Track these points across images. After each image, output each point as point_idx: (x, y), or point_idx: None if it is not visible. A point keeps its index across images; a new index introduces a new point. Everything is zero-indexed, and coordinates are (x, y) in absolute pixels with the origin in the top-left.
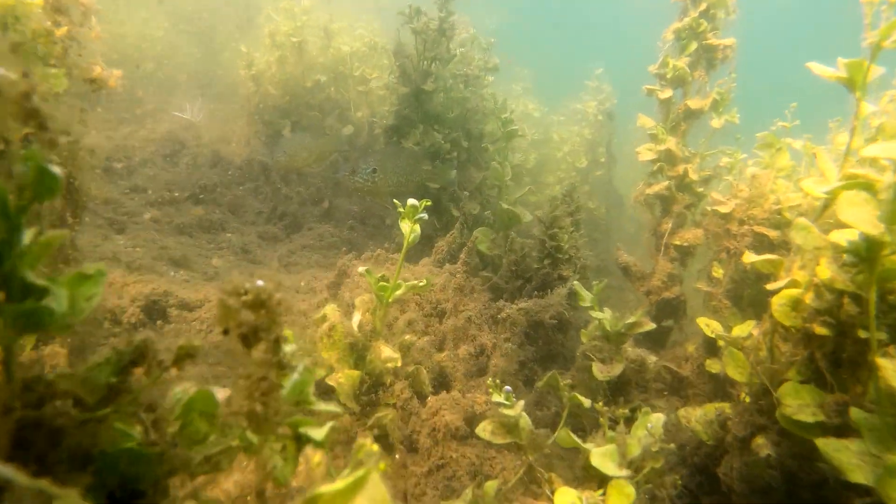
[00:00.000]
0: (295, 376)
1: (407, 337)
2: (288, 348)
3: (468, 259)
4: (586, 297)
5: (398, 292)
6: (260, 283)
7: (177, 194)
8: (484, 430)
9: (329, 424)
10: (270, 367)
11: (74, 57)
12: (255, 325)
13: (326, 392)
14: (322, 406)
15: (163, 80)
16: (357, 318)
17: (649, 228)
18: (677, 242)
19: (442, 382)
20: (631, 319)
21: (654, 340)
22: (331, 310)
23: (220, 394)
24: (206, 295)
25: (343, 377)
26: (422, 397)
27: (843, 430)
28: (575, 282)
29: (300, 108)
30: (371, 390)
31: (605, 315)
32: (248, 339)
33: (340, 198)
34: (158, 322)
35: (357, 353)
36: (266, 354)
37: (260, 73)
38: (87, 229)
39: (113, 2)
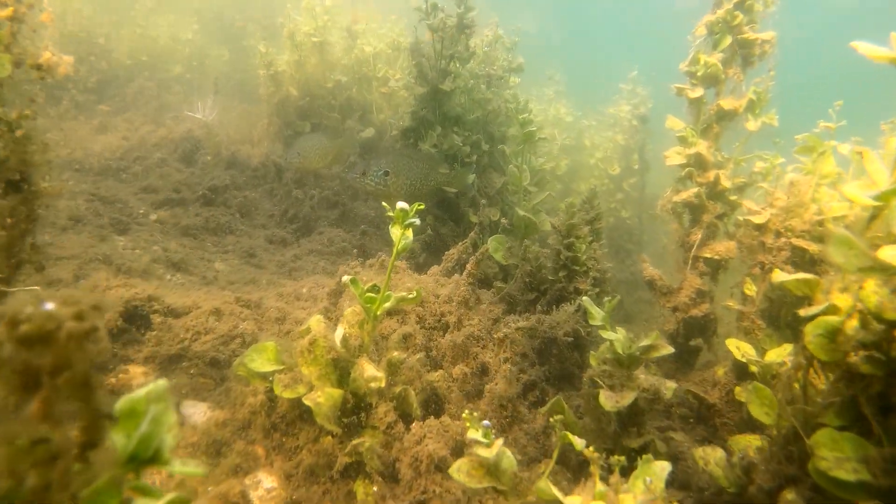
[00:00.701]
0: (143, 428)
1: (395, 354)
2: (141, 391)
3: (474, 270)
4: (596, 315)
5: (387, 305)
6: (48, 306)
7: (187, 195)
8: (459, 470)
9: (168, 497)
10: (58, 422)
11: (27, 43)
12: (30, 366)
13: (305, 413)
14: (178, 467)
15: (190, 82)
16: (340, 331)
17: (677, 239)
18: (707, 255)
19: (436, 405)
20: (646, 342)
21: (683, 361)
22: (316, 322)
23: (197, 410)
24: (195, 301)
25: (322, 396)
26: (410, 421)
27: (894, 493)
28: (584, 297)
29: (321, 109)
30: (354, 411)
31: (616, 336)
32: (28, 383)
33: (357, 201)
34: (140, 329)
35: (340, 370)
36: (44, 406)
37: (279, 73)
38: (87, 230)
39: (143, 4)
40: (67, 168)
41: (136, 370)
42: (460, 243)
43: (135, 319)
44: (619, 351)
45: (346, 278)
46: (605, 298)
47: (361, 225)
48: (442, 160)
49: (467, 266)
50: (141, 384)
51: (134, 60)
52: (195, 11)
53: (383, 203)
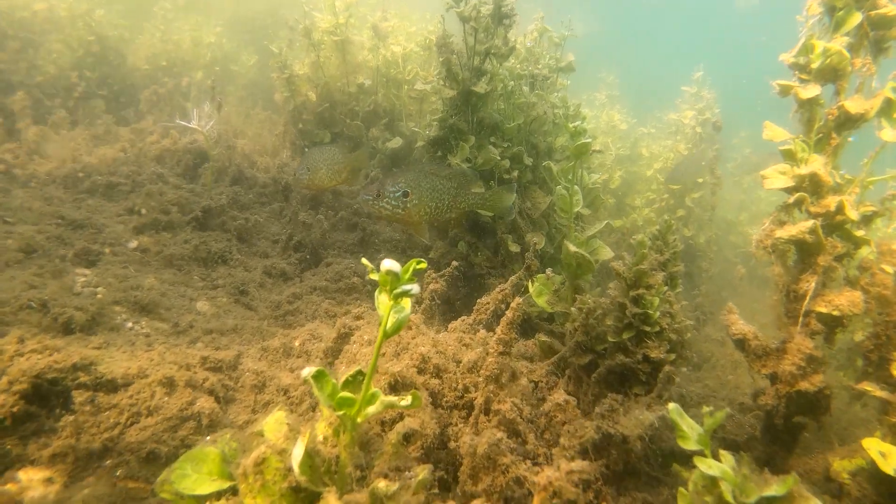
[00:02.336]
0: None
1: (382, 484)
2: None
3: (507, 336)
4: (689, 434)
5: (371, 410)
6: None
7: (177, 217)
8: None
9: None
10: None
11: None
12: None
13: None
14: None
15: (218, 96)
16: (299, 450)
17: (779, 285)
18: (823, 310)
19: None
20: (773, 489)
21: (780, 443)
22: (273, 425)
23: None
24: (142, 366)
25: None
26: None
27: None
28: (671, 406)
29: (342, 116)
30: None
31: (722, 471)
32: None
33: (381, 223)
34: (54, 413)
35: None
36: None
37: (295, 76)
38: (39, 264)
39: (162, 6)
40: (50, 183)
41: (34, 475)
42: (497, 289)
43: (47, 400)
44: (730, 499)
45: (306, 372)
46: (705, 409)
47: (381, 253)
48: (476, 177)
49: (498, 330)
50: (38, 497)
51: (152, 66)
52: (222, 14)
53: (363, 260)
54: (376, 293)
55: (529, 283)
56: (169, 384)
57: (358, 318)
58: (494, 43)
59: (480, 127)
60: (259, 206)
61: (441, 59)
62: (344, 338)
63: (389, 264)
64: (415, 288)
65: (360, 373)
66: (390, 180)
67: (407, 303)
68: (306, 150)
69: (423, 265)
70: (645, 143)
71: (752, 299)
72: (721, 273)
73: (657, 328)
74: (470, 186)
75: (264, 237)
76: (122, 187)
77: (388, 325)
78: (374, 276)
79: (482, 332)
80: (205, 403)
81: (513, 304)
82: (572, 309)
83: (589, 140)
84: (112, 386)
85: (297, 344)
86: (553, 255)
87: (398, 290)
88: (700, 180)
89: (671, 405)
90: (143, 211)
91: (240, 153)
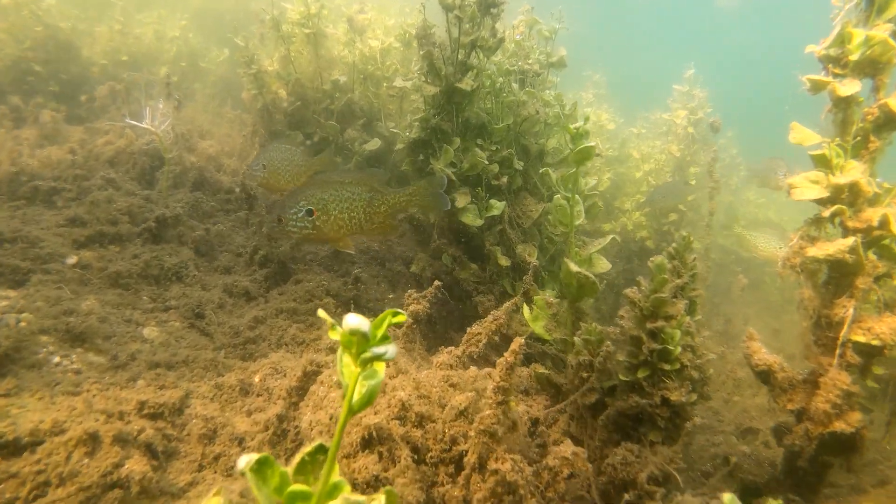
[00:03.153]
0: None
1: None
2: None
3: (505, 382)
4: None
5: None
6: None
7: (126, 228)
8: None
9: None
10: None
11: None
12: None
13: None
14: None
15: (177, 85)
16: None
17: (808, 311)
18: (861, 338)
19: None
20: None
21: (804, 483)
22: None
23: None
24: (58, 418)
25: None
26: None
27: None
28: (727, 499)
29: (315, 115)
30: None
31: None
32: None
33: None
34: None
35: None
36: None
37: (263, 72)
38: None
39: None
40: None
41: None
42: (490, 317)
43: None
44: None
45: (243, 463)
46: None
47: (357, 267)
48: (385, 175)
49: (495, 375)
50: None
51: (111, 60)
52: (188, 7)
53: (320, 313)
54: (338, 353)
55: (525, 306)
56: (91, 441)
57: (330, 350)
58: (481, 34)
59: (466, 128)
60: (223, 213)
61: (422, 53)
62: (311, 376)
63: (355, 322)
64: (390, 351)
65: (320, 449)
66: (290, 199)
67: (380, 366)
68: (264, 145)
69: (402, 318)
70: (634, 143)
71: (745, 304)
72: (715, 281)
73: (677, 365)
74: (380, 185)
75: (227, 250)
76: (66, 193)
77: (356, 398)
78: (335, 335)
79: (473, 370)
80: (135, 465)
81: (513, 346)
82: (575, 339)
83: (592, 144)
84: (15, 447)
85: (256, 380)
86: (546, 267)
87: (368, 355)
88: (682, 207)
89: (727, 497)
90: (89, 221)
91: (204, 155)
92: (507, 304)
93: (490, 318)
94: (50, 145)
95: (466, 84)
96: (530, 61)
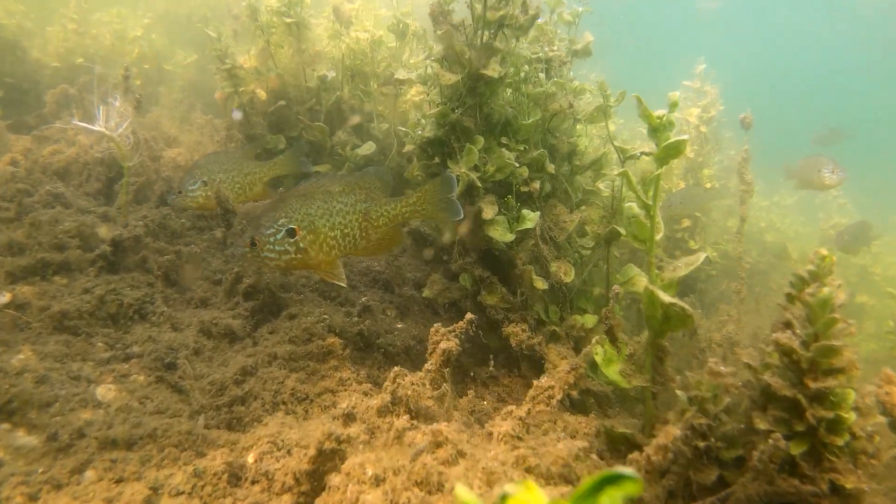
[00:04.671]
0: None
1: None
2: None
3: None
4: None
5: None
6: None
7: (75, 255)
8: None
9: None
10: None
11: None
12: None
13: None
14: None
15: (137, 88)
16: None
17: None
18: None
19: None
20: None
21: None
22: None
23: None
24: None
25: None
26: None
27: None
28: None
29: (300, 116)
30: None
31: None
32: None
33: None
34: None
35: None
36: None
37: (239, 67)
38: None
39: None
40: None
41: None
42: (566, 367)
43: None
44: None
45: None
46: None
47: (362, 292)
48: (387, 174)
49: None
50: None
51: (65, 63)
52: (152, 7)
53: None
54: None
55: (597, 346)
56: None
57: (349, 419)
58: (510, 11)
59: (487, 124)
60: (195, 232)
61: (438, 34)
62: (328, 457)
63: None
64: None
65: None
66: (265, 217)
67: None
68: (263, 157)
69: (635, 488)
70: (639, 144)
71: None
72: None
73: (847, 436)
74: (381, 193)
75: (203, 277)
76: (3, 213)
77: None
78: None
79: (558, 446)
80: None
81: (662, 440)
82: (678, 393)
83: (685, 137)
84: None
85: (250, 460)
86: (580, 289)
87: None
88: (708, 185)
89: None
90: (28, 246)
91: (171, 165)
92: (586, 350)
93: (565, 367)
94: None
95: (493, 70)
96: (555, 48)
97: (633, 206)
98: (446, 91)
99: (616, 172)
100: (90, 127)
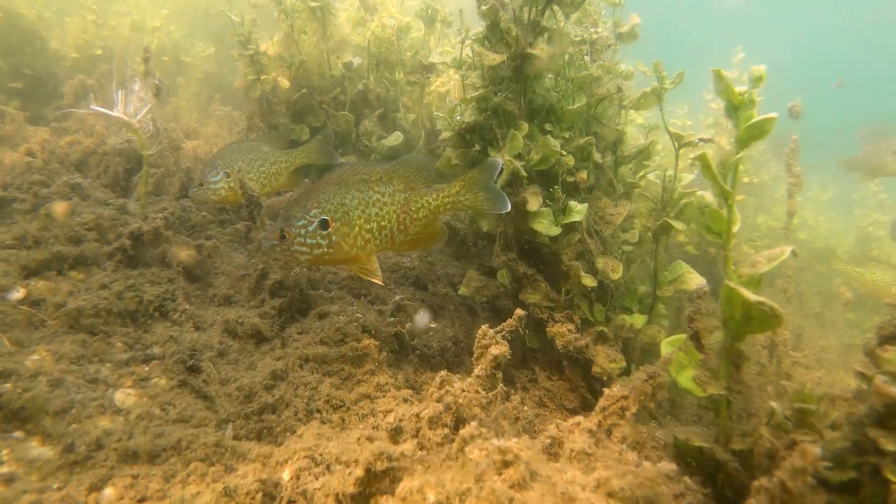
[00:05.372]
0: None
1: None
2: None
3: None
4: None
5: None
6: None
7: (92, 249)
8: None
9: None
10: None
11: None
12: None
13: None
14: None
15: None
16: None
17: None
18: None
19: None
20: None
21: None
22: None
23: None
24: None
25: None
26: None
27: None
28: None
29: (324, 105)
30: None
31: None
32: None
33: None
34: None
35: None
36: None
37: (261, 53)
38: None
39: None
40: None
41: None
42: (643, 374)
43: None
44: None
45: None
46: None
47: (396, 289)
48: (428, 162)
49: None
50: None
51: (84, 54)
52: (170, 1)
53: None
54: None
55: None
56: None
57: (396, 433)
58: None
59: (530, 110)
60: (217, 225)
61: (483, 9)
62: (378, 478)
63: None
64: None
65: None
66: (296, 207)
67: None
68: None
69: None
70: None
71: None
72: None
73: None
74: (423, 182)
75: (225, 272)
76: (19, 205)
77: None
78: None
79: (647, 465)
80: None
81: None
82: (773, 405)
83: (773, 115)
84: None
85: (286, 477)
86: (627, 287)
87: None
88: (756, 180)
89: None
90: (44, 239)
91: (190, 156)
92: (667, 355)
93: (642, 375)
94: (7, 148)
95: (540, 50)
96: (599, 29)
97: (705, 196)
98: (488, 73)
99: (667, 161)
100: (108, 112)
